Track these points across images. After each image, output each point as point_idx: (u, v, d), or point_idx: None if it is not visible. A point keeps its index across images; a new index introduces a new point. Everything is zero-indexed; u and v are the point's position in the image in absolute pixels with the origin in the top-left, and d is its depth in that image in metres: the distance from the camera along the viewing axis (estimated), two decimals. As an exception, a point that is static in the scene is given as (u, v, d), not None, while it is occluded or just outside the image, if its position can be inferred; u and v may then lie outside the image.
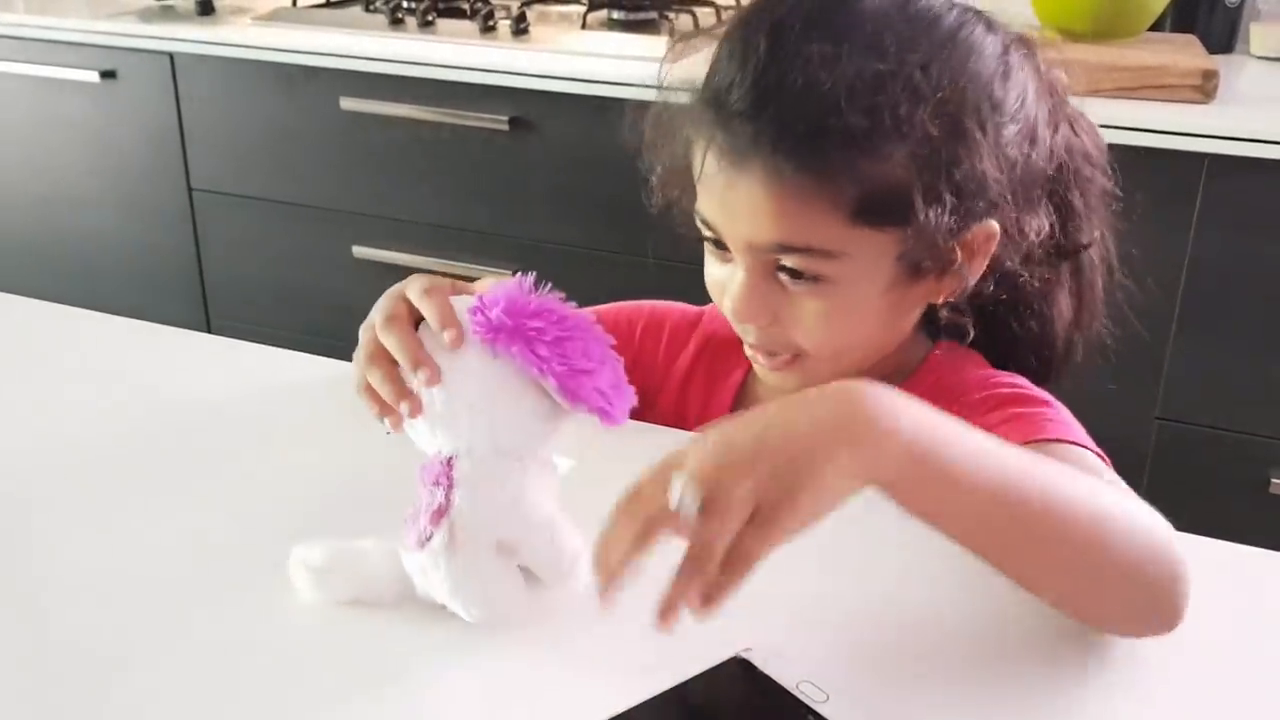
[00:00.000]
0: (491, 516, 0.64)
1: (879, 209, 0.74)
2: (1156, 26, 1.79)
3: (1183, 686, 0.64)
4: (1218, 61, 1.62)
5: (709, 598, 0.56)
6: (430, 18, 1.95)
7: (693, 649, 0.62)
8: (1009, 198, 0.78)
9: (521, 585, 0.66)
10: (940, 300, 0.83)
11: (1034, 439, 0.75)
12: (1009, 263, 0.82)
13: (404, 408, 0.66)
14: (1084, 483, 0.64)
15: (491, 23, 1.93)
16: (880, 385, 0.59)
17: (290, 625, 0.66)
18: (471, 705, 0.61)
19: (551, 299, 0.66)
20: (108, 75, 2.09)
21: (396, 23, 1.96)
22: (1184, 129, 1.49)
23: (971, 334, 0.87)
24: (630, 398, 0.67)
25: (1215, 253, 1.54)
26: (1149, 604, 0.64)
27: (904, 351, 0.88)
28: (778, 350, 0.83)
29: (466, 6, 2.02)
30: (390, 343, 0.69)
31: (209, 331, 2.16)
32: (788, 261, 0.77)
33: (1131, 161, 1.54)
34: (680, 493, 0.55)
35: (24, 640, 0.65)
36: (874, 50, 0.73)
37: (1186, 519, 0.78)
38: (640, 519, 0.56)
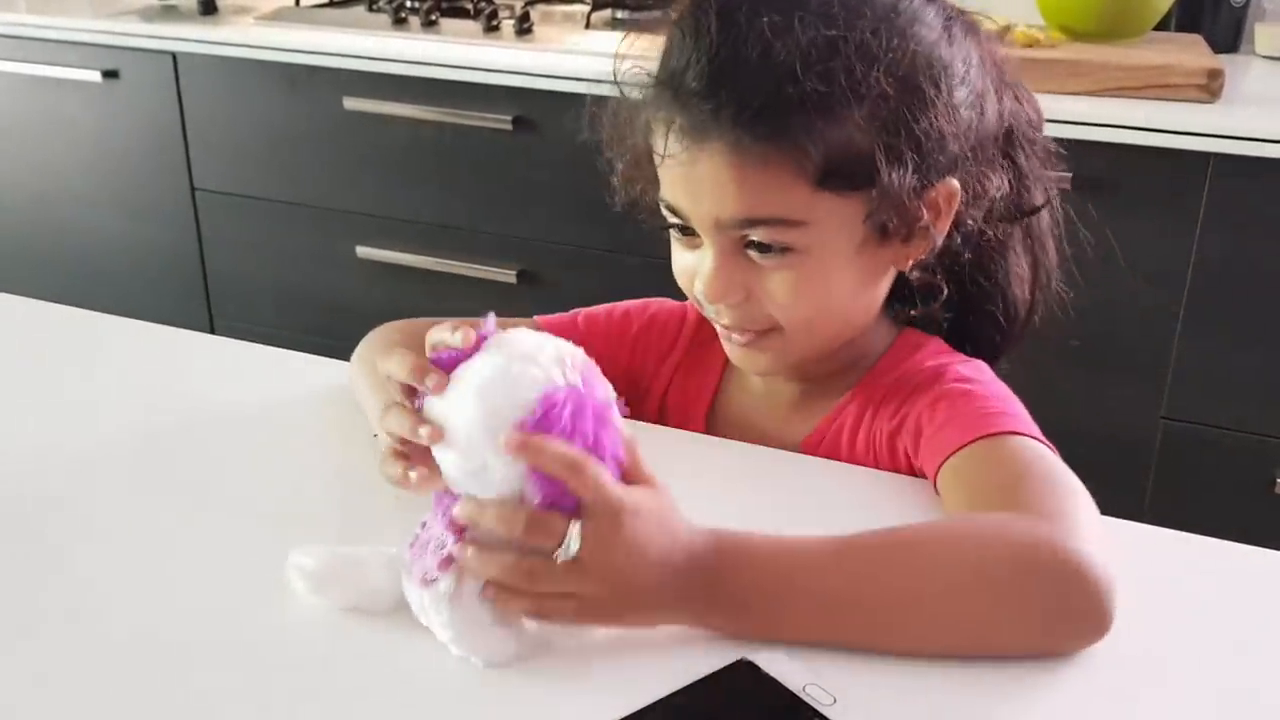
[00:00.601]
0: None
1: (842, 173, 0.75)
2: (1161, 26, 1.78)
3: (1185, 685, 0.64)
4: (1223, 61, 1.61)
5: (503, 601, 0.61)
6: (433, 17, 1.95)
7: (698, 652, 0.62)
8: (967, 155, 0.80)
9: (525, 637, 0.64)
10: (909, 265, 0.84)
11: (977, 436, 0.76)
12: (971, 222, 0.84)
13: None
14: (929, 547, 0.66)
15: (495, 22, 1.92)
16: (721, 541, 0.64)
17: (285, 630, 0.66)
18: (473, 712, 0.60)
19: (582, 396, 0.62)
20: (110, 75, 2.09)
21: (400, 22, 1.96)
22: (1189, 128, 1.49)
23: (945, 291, 0.87)
24: None
25: (1220, 252, 1.54)
26: (1054, 627, 0.64)
27: (869, 339, 0.89)
28: (753, 325, 0.83)
29: (470, 6, 2.02)
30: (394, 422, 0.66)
31: (212, 332, 2.16)
32: (755, 235, 0.78)
33: (1136, 161, 1.55)
34: (573, 542, 0.60)
35: (19, 641, 0.65)
36: (823, 18, 0.74)
37: (1190, 519, 0.78)
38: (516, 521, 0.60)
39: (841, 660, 0.62)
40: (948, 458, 0.76)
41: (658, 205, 0.85)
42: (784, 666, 0.60)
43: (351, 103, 1.91)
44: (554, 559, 0.60)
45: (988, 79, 0.83)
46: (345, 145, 1.98)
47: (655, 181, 0.85)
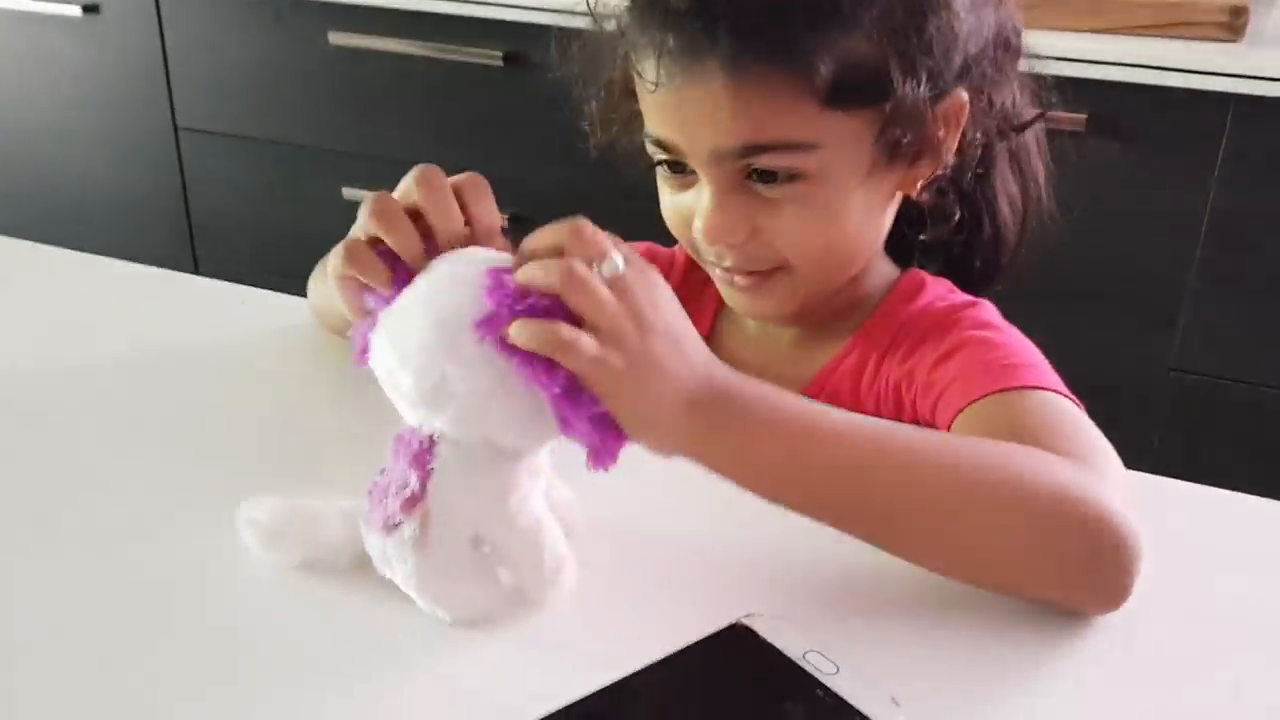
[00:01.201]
0: (472, 513, 0.57)
1: (852, 88, 0.71)
2: (1181, -38, 1.71)
3: (1188, 638, 0.60)
4: (1246, -2, 1.55)
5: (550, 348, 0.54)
6: (423, -52, 1.88)
7: (690, 615, 0.57)
8: (971, 64, 0.76)
9: (497, 592, 0.58)
10: (917, 189, 0.79)
11: (992, 391, 0.70)
12: (978, 135, 0.79)
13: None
14: (954, 446, 0.61)
15: (485, -47, 1.85)
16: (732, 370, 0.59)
17: (238, 588, 0.61)
18: (442, 676, 0.55)
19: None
20: (90, 10, 2.03)
21: (387, -47, 1.89)
22: (1210, 68, 1.43)
23: (958, 215, 0.83)
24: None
25: (1239, 199, 1.48)
26: (1072, 579, 0.59)
27: (870, 278, 0.84)
28: (759, 266, 0.78)
29: (459, -63, 1.94)
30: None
31: (196, 272, 2.12)
32: (761, 163, 0.73)
33: (1154, 102, 1.49)
34: (617, 257, 0.56)
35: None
36: None
37: (1197, 473, 0.74)
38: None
39: (844, 626, 0.58)
40: (961, 410, 0.70)
41: (638, 146, 0.79)
42: (782, 632, 0.55)
43: (337, 37, 1.85)
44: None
45: None
46: (330, 81, 1.92)
47: (636, 118, 0.79)
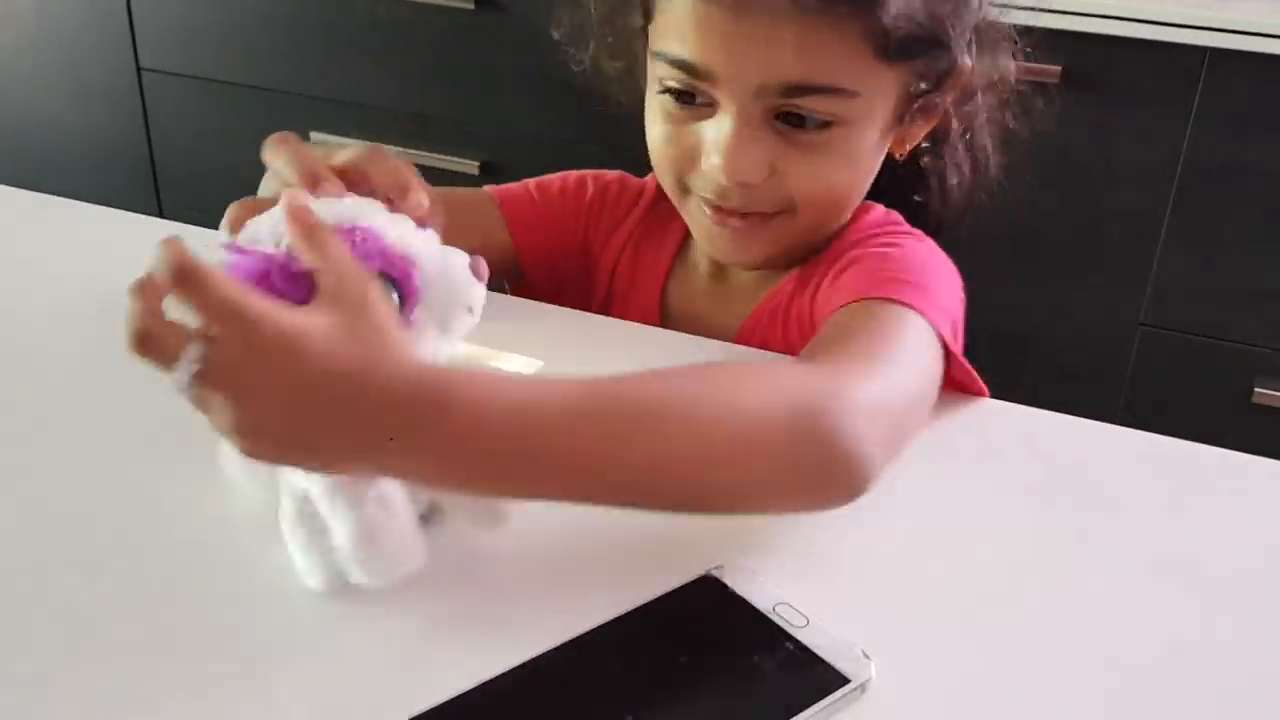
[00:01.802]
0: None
1: (904, 43, 0.70)
2: (1159, -88, 1.70)
3: (1153, 584, 0.60)
4: (1222, -50, 1.54)
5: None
6: (392, -113, 1.84)
7: (658, 567, 0.56)
8: (977, 29, 0.78)
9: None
10: (907, 148, 0.81)
11: (865, 296, 0.70)
12: (970, 102, 0.82)
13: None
14: (681, 407, 0.55)
15: (457, -107, 1.81)
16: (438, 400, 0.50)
17: (202, 530, 0.60)
18: (419, 626, 0.55)
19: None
20: (51, -53, 1.98)
21: (356, -108, 1.84)
22: (1184, 20, 1.42)
23: (960, 178, 0.86)
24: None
25: (1212, 153, 1.48)
26: (806, 491, 0.57)
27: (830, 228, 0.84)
28: (763, 208, 0.76)
29: (431, -124, 1.90)
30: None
31: (160, 215, 2.07)
32: (804, 104, 0.72)
33: (1128, 54, 1.49)
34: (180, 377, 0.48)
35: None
36: None
37: (1166, 428, 0.74)
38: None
39: (811, 577, 0.57)
40: (830, 316, 0.71)
41: (628, 68, 0.78)
42: (751, 583, 0.55)
43: (305, -23, 1.81)
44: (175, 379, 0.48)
45: None
46: (297, 23, 1.88)
47: (635, 34, 0.77)
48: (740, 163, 0.73)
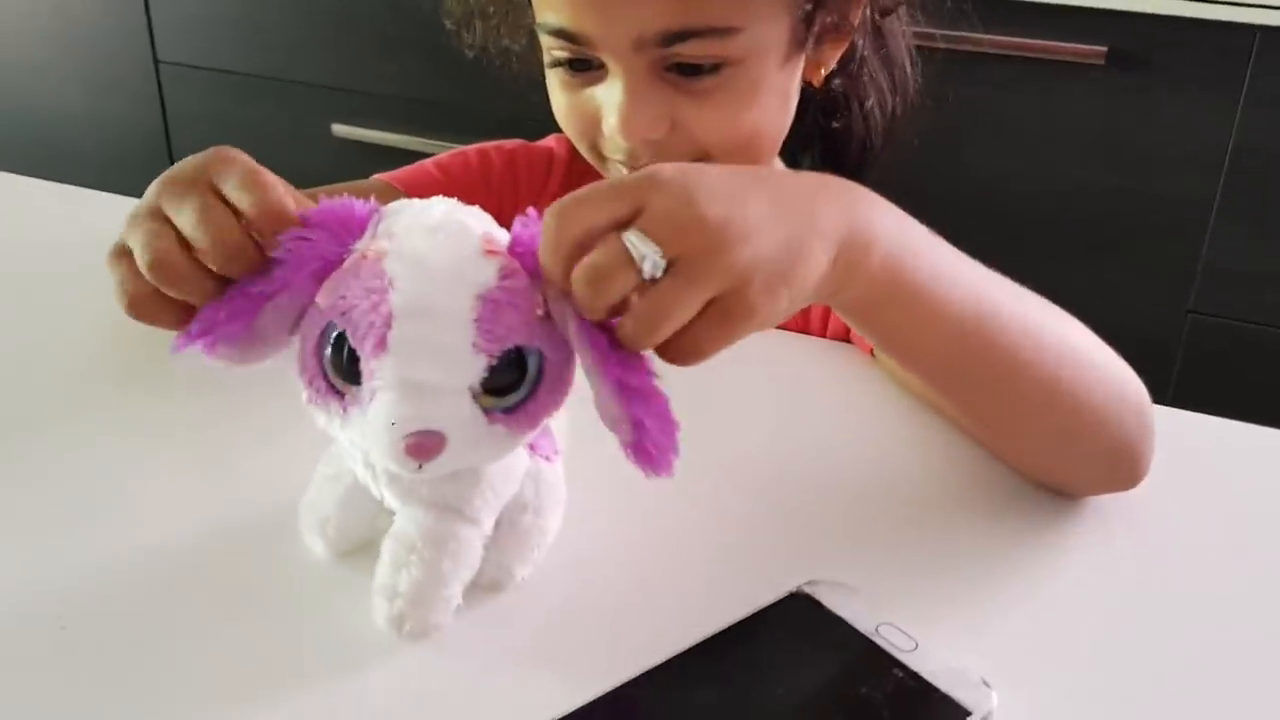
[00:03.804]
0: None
1: None
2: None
3: (1202, 563, 0.57)
4: (1272, -76, 1.50)
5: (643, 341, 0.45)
6: (413, -127, 1.80)
7: (742, 585, 0.52)
8: None
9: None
10: (823, 75, 0.80)
11: None
12: (876, 15, 0.80)
13: None
14: (1063, 319, 0.59)
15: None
16: (859, 187, 0.52)
17: (212, 523, 0.56)
18: (491, 657, 0.51)
19: None
20: (64, -64, 1.95)
21: (376, -122, 1.81)
22: (1234, -2, 1.38)
23: (869, 101, 0.85)
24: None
25: (1263, 135, 1.44)
26: (1118, 457, 0.60)
27: None
28: (677, 161, 0.74)
29: None
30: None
31: (180, 215, 2.06)
32: (686, 50, 0.70)
33: (1175, 33, 1.44)
34: (644, 250, 0.44)
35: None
36: None
37: (1215, 413, 0.71)
38: (587, 269, 0.44)
39: (918, 595, 0.54)
40: None
41: (515, 41, 0.78)
42: (851, 602, 0.50)
43: (325, -33, 1.79)
44: (647, 282, 0.44)
45: None
46: (319, 12, 1.85)
47: (517, 8, 0.77)
48: (636, 121, 0.72)
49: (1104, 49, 1.45)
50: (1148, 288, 1.57)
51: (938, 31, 1.40)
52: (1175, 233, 1.53)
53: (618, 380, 0.45)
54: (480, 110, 1.82)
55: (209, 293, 0.47)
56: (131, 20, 1.98)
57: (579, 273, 0.44)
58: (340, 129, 1.90)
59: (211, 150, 0.50)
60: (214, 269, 0.47)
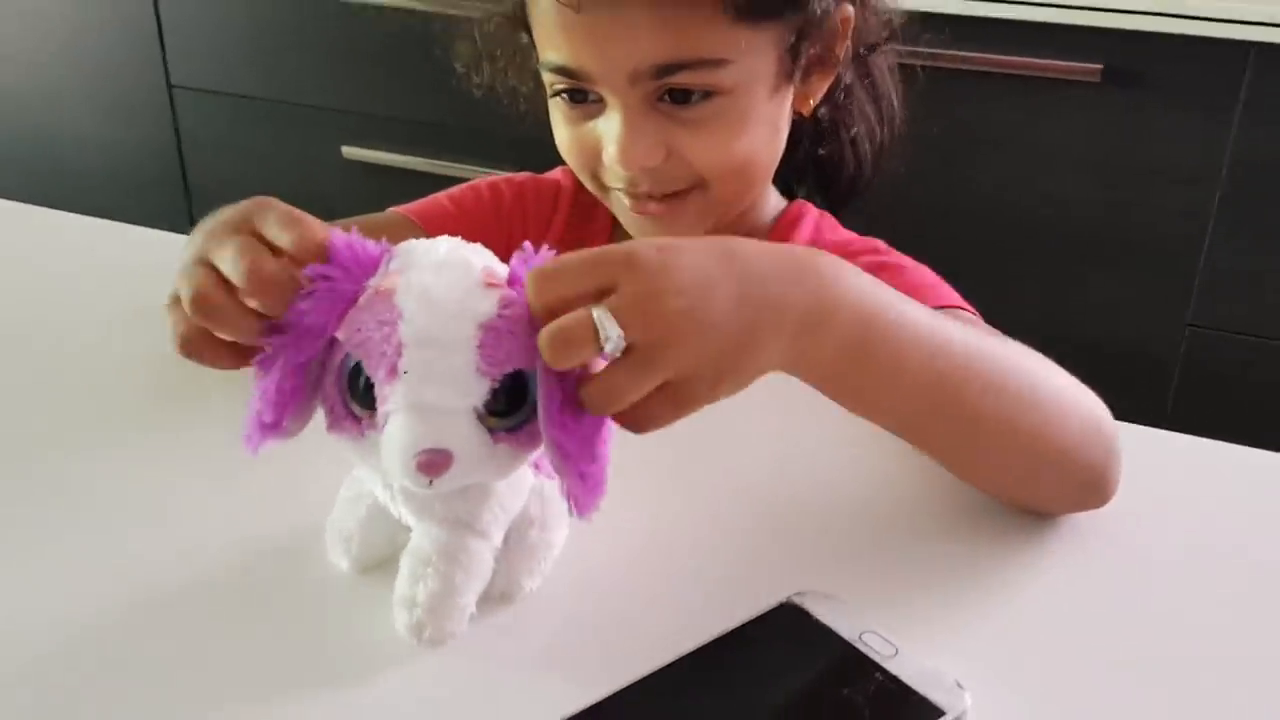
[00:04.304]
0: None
1: (760, 2, 0.73)
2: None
3: (1193, 585, 0.59)
4: (1265, -57, 1.52)
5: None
6: (420, -101, 1.83)
7: (734, 595, 0.55)
8: None
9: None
10: (811, 105, 0.83)
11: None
12: (861, 50, 0.84)
13: None
14: (1025, 359, 0.61)
15: (487, -96, 1.81)
16: (824, 255, 0.54)
17: (230, 547, 0.59)
18: (488, 666, 0.54)
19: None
20: (81, -35, 1.99)
21: (385, -95, 1.84)
22: (1229, 15, 1.40)
23: (854, 129, 0.88)
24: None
25: (1259, 150, 1.46)
26: (1085, 483, 0.62)
27: (761, 205, 0.87)
28: (674, 187, 0.79)
29: (459, -112, 1.90)
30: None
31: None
32: (677, 81, 0.74)
33: (1171, 50, 1.47)
34: (609, 332, 0.46)
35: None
36: None
37: (1213, 429, 0.73)
38: (553, 333, 0.47)
39: (899, 604, 0.56)
40: None
41: (523, 83, 0.82)
42: (834, 611, 0.53)
43: (335, -8, 1.81)
44: (605, 358, 0.48)
45: None
46: (330, 38, 1.88)
47: (523, 51, 0.81)
48: (634, 150, 0.76)
49: (1100, 66, 1.47)
50: (1146, 301, 1.59)
51: (938, 51, 1.43)
52: (1173, 246, 1.55)
53: (554, 439, 0.48)
54: (486, 132, 1.85)
55: (253, 330, 0.50)
56: (145, 46, 2.01)
57: (546, 335, 0.47)
58: (350, 151, 1.93)
59: (250, 199, 0.53)
60: (256, 307, 0.49)
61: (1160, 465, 0.69)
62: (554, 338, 0.47)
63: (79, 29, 2.06)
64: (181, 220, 2.12)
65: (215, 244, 0.51)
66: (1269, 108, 1.43)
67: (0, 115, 2.22)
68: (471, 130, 1.85)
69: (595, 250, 0.49)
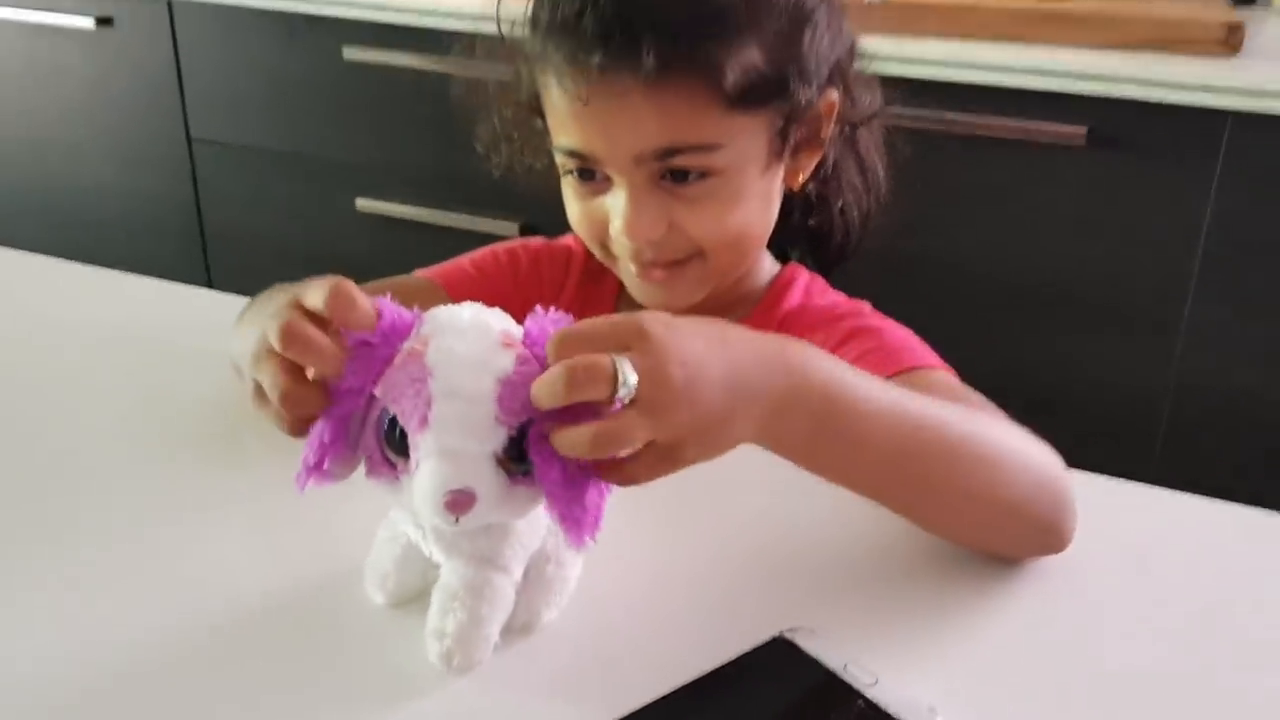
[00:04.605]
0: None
1: (753, 90, 0.79)
2: (1178, -22, 1.75)
3: (1177, 637, 0.64)
4: (1242, 15, 1.59)
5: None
6: (435, -35, 1.90)
7: (732, 629, 0.60)
8: (838, 70, 0.87)
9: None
10: (800, 181, 0.89)
11: (894, 372, 0.78)
12: (845, 130, 0.91)
13: None
14: (976, 423, 0.67)
15: (498, -30, 1.88)
16: (796, 344, 0.61)
17: (241, 591, 0.65)
18: (500, 692, 0.59)
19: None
20: (104, 22, 2.05)
21: (401, -30, 1.91)
22: (1207, 84, 1.46)
23: (841, 202, 0.95)
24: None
25: (1237, 213, 1.51)
26: (1040, 533, 0.68)
27: (755, 271, 0.94)
28: (675, 256, 0.85)
29: (471, -47, 1.97)
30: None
31: (209, 285, 2.14)
32: (676, 163, 0.80)
33: (1152, 118, 1.53)
34: (628, 378, 0.53)
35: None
36: None
37: (1198, 485, 0.78)
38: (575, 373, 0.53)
39: (879, 637, 0.61)
40: None
41: (537, 160, 0.89)
42: (821, 644, 0.59)
43: (351, 52, 1.87)
44: (615, 403, 0.53)
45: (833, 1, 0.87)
46: (345, 95, 1.94)
47: (537, 134, 0.88)
48: (639, 224, 0.82)
49: (1084, 130, 1.53)
50: (1131, 358, 1.63)
51: (927, 113, 1.49)
52: (1158, 303, 1.60)
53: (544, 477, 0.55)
54: (496, 187, 1.91)
55: (339, 357, 0.55)
56: (167, 99, 2.07)
57: (563, 368, 0.53)
58: (363, 203, 1.98)
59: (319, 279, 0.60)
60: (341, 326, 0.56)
61: (1130, 516, 0.75)
62: (573, 371, 0.52)
63: (102, 83, 2.12)
64: (198, 269, 2.18)
65: (272, 331, 0.56)
66: (1245, 171, 1.49)
67: (26, 166, 2.27)
68: (480, 185, 1.91)
69: (611, 318, 0.56)
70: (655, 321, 0.55)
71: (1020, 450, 0.67)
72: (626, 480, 0.56)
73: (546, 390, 0.53)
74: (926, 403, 0.65)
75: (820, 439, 0.61)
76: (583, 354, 0.53)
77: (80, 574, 0.67)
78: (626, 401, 0.53)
